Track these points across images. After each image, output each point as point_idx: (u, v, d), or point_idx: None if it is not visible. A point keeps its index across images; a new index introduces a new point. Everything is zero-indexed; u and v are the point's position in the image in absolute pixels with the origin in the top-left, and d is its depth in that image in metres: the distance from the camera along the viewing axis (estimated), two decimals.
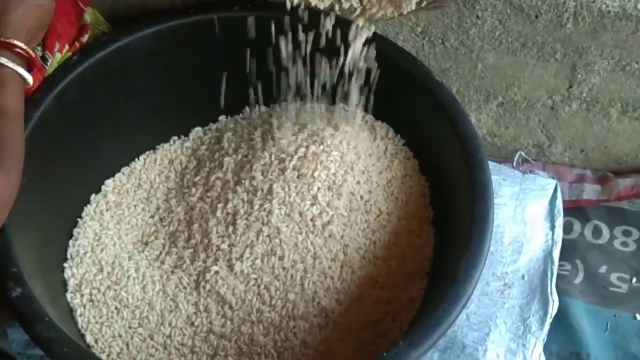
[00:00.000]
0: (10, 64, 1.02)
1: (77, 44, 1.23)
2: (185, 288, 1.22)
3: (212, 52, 1.31)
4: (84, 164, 1.30)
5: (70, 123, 1.23)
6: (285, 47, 1.21)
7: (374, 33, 1.24)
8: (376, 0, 1.15)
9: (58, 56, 1.21)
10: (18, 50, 1.03)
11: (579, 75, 1.36)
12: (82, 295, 1.21)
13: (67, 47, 1.22)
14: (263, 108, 1.38)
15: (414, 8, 1.12)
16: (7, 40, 1.03)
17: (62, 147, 1.23)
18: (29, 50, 1.05)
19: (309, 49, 1.22)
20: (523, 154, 1.49)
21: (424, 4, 1.13)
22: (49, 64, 1.20)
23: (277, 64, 1.25)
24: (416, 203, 1.28)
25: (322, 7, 1.18)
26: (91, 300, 1.21)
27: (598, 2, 1.23)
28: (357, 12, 1.17)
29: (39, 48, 1.19)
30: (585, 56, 1.32)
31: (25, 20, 1.05)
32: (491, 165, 1.23)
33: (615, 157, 1.49)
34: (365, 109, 1.32)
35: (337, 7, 1.17)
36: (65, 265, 1.23)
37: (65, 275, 1.23)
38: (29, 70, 1.05)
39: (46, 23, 1.11)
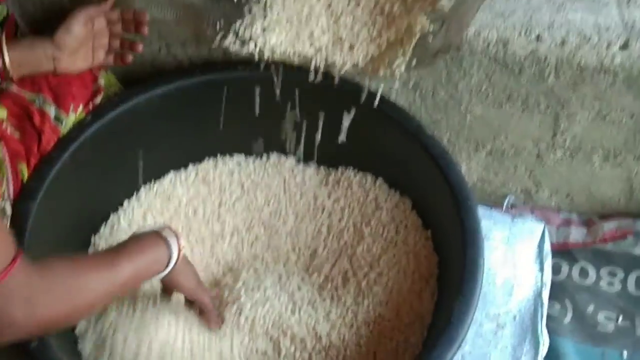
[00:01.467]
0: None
1: (90, 104, 1.26)
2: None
3: (215, 107, 1.33)
4: (95, 216, 1.31)
5: (84, 179, 1.24)
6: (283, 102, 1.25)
7: (368, 87, 1.27)
8: (370, 62, 1.17)
9: (72, 117, 1.23)
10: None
11: (562, 125, 1.37)
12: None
13: (81, 107, 1.25)
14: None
15: (403, 71, 1.14)
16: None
17: (74, 202, 1.24)
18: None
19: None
20: (512, 199, 1.49)
21: (413, 64, 1.15)
22: (63, 124, 1.22)
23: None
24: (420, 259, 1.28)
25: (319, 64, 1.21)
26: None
27: (577, 57, 1.26)
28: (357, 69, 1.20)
29: (53, 108, 1.22)
30: (567, 107, 1.34)
31: None
32: (482, 210, 1.24)
33: (599, 201, 1.49)
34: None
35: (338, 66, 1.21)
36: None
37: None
38: None
39: None
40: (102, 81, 1.28)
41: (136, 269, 0.99)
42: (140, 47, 1.25)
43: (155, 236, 1.04)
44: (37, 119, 1.20)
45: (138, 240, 1.03)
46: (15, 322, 0.85)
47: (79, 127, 1.23)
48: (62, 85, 1.23)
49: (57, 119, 1.22)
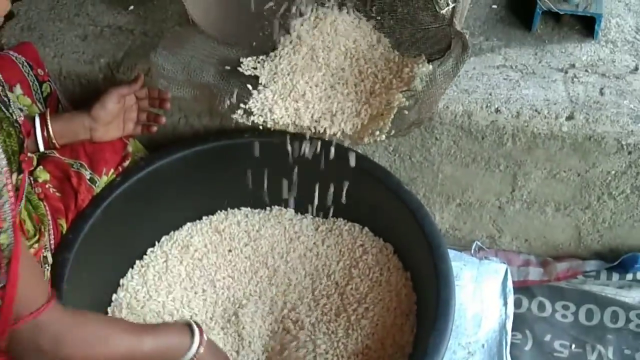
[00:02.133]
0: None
1: (120, 168, 1.27)
2: None
3: (226, 168, 1.35)
4: (123, 262, 1.32)
5: (114, 231, 1.25)
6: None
7: (355, 151, 1.29)
8: (358, 132, 1.19)
9: (104, 178, 1.25)
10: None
11: (519, 182, 1.38)
12: None
13: (112, 171, 1.26)
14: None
15: (384, 138, 1.15)
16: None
17: (106, 251, 1.25)
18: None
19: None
20: (479, 243, 1.49)
21: (392, 133, 1.17)
22: (97, 185, 1.23)
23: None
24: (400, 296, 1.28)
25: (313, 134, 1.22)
26: None
27: (530, 126, 1.27)
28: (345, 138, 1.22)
29: (88, 172, 1.23)
30: (523, 167, 1.35)
31: None
32: (453, 253, 1.24)
33: (553, 245, 1.49)
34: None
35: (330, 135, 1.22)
36: None
37: None
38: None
39: None
40: (130, 148, 1.29)
41: (157, 346, 0.97)
42: (163, 120, 1.28)
43: (181, 325, 1.02)
44: (74, 181, 1.21)
45: (167, 324, 1.04)
46: (41, 352, 0.87)
47: (110, 187, 1.25)
48: (96, 152, 1.24)
49: (92, 180, 1.23)
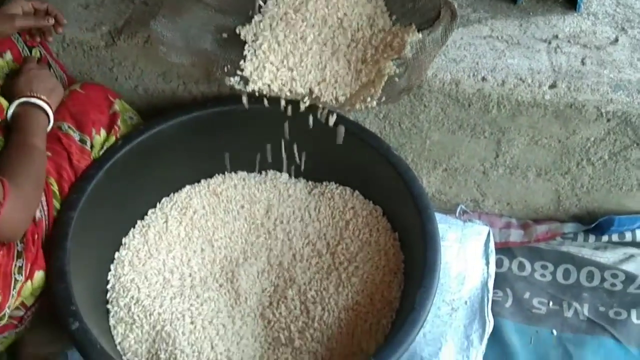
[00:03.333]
0: (40, 102, 1.13)
1: (115, 127, 1.25)
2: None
3: (223, 133, 1.34)
4: (125, 222, 1.31)
5: (116, 192, 1.25)
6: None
7: (347, 118, 1.28)
8: (349, 99, 1.18)
9: (97, 138, 1.23)
10: (44, 99, 1.14)
11: (503, 148, 1.37)
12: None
13: (102, 130, 1.24)
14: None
15: (375, 105, 1.14)
16: (38, 95, 1.14)
17: (108, 211, 1.24)
18: (50, 103, 1.16)
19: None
20: (463, 207, 1.50)
21: (383, 100, 1.15)
22: (87, 144, 1.22)
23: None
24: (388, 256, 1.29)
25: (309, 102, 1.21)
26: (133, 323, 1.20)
27: (515, 94, 1.27)
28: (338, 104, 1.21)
29: (76, 133, 1.21)
30: (507, 134, 1.34)
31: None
32: (439, 216, 1.24)
33: (534, 209, 1.50)
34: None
35: (323, 102, 1.21)
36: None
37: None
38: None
39: (59, 98, 1.21)
40: (117, 106, 1.28)
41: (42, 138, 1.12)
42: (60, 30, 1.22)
43: (30, 108, 1.13)
44: (65, 141, 1.20)
45: (26, 117, 1.12)
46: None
47: (112, 149, 1.24)
48: (81, 114, 1.23)
49: (82, 141, 1.22)
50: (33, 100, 1.13)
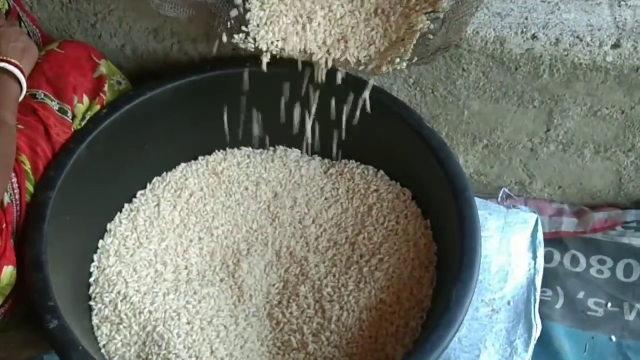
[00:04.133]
0: (10, 67, 1.12)
1: (101, 94, 1.26)
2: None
3: (224, 102, 1.33)
4: (110, 206, 1.32)
5: (100, 169, 1.25)
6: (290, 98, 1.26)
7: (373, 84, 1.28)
8: (374, 60, 1.17)
9: (80, 106, 1.24)
10: (15, 63, 1.14)
11: (555, 120, 1.37)
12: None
13: (85, 97, 1.25)
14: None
15: (404, 67, 1.14)
16: (7, 58, 1.13)
17: (91, 191, 1.25)
18: (22, 68, 1.15)
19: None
20: (507, 190, 1.49)
21: (414, 61, 1.15)
22: (69, 114, 1.22)
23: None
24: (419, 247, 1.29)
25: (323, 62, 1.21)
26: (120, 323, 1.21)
27: (571, 55, 1.26)
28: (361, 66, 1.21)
29: (55, 102, 1.22)
30: (561, 103, 1.34)
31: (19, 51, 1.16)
32: (478, 201, 1.24)
33: (590, 193, 1.50)
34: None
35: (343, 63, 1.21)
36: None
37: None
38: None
39: (33, 60, 1.21)
40: (103, 69, 1.28)
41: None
42: None
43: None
44: (41, 113, 1.20)
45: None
46: None
47: (95, 119, 1.24)
48: (59, 78, 1.23)
49: (62, 111, 1.22)
50: (1, 64, 1.13)
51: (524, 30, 1.27)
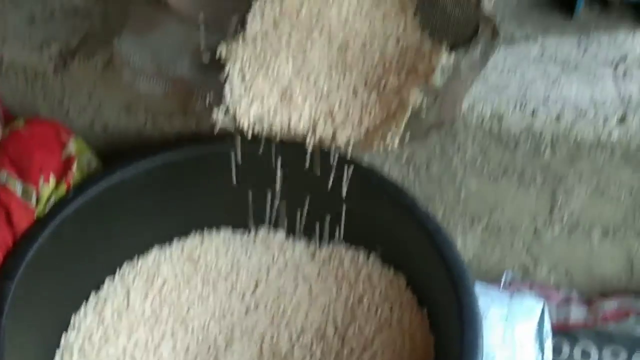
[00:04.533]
0: None
1: (69, 175, 1.26)
2: None
3: (202, 181, 1.34)
4: (76, 295, 1.30)
5: (65, 257, 1.25)
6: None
7: (360, 162, 1.29)
8: (364, 138, 1.19)
9: (46, 188, 1.23)
10: None
11: (560, 201, 1.38)
12: None
13: (52, 177, 1.25)
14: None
15: (396, 145, 1.15)
16: None
17: (54, 281, 1.23)
18: None
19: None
20: (510, 275, 1.48)
21: (406, 138, 1.16)
22: (33, 198, 1.22)
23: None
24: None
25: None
26: None
27: (574, 132, 1.28)
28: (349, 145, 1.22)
29: (18, 183, 1.22)
30: (564, 182, 1.35)
31: None
32: (478, 287, 1.24)
33: (600, 279, 1.49)
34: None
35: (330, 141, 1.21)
36: None
37: None
38: None
39: None
40: (72, 148, 1.29)
41: None
42: None
43: None
44: (2, 197, 1.19)
45: None
46: None
47: (60, 203, 1.24)
48: (23, 156, 1.23)
49: (26, 193, 1.21)
50: None
51: (523, 105, 1.29)
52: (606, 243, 1.43)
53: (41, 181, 1.23)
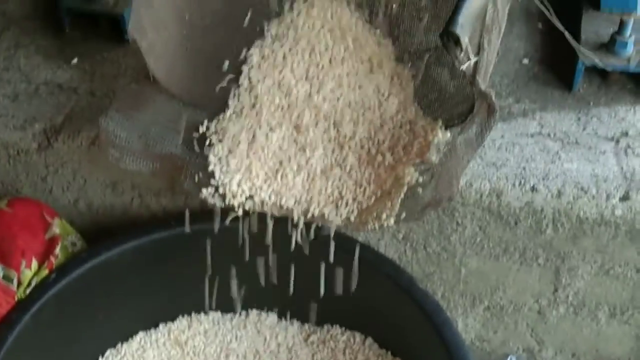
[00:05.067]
0: None
1: (51, 258, 1.27)
2: None
3: (190, 261, 1.35)
4: None
5: (47, 342, 1.25)
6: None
7: (357, 240, 1.30)
8: (359, 216, 1.20)
9: (27, 273, 1.25)
10: None
11: (564, 280, 1.39)
12: None
13: (34, 261, 1.26)
14: None
15: (392, 224, 1.16)
16: None
17: None
18: None
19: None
20: (514, 358, 1.48)
21: (402, 216, 1.17)
22: (14, 282, 1.23)
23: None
24: None
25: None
26: None
27: (575, 209, 1.29)
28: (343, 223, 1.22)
29: None
30: (568, 261, 1.36)
31: None
32: None
33: None
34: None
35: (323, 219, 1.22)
36: None
37: None
38: None
39: None
40: (56, 229, 1.30)
41: None
42: None
43: None
44: None
45: None
46: None
47: (42, 286, 1.24)
48: (6, 240, 1.25)
49: (7, 278, 1.23)
50: None
51: (522, 181, 1.30)
52: (613, 323, 1.43)
53: (23, 265, 1.24)
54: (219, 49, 1.28)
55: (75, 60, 1.49)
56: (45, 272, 1.26)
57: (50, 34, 1.54)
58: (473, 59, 1.05)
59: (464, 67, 1.04)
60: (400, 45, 1.31)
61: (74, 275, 1.27)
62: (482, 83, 1.08)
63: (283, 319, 1.42)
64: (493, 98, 1.10)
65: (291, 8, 1.30)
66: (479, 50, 1.05)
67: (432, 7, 1.32)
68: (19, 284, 1.23)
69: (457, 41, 0.99)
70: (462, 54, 1.02)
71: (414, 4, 1.31)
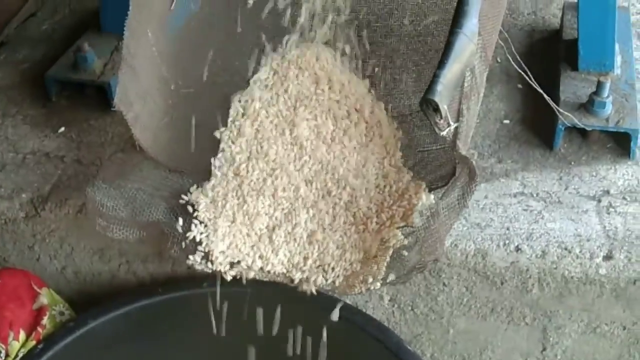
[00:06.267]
0: None
1: (39, 328, 1.27)
2: None
3: (180, 327, 1.35)
4: None
5: None
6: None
7: (344, 303, 1.30)
8: (345, 280, 1.21)
9: (15, 344, 1.25)
10: None
11: (551, 338, 1.39)
12: None
13: (22, 333, 1.26)
14: None
15: (379, 287, 1.18)
16: None
17: None
18: None
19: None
20: None
21: (389, 279, 1.19)
22: (2, 354, 1.23)
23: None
24: None
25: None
26: None
27: (560, 268, 1.31)
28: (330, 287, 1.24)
29: None
30: (555, 320, 1.37)
31: None
32: None
33: None
34: None
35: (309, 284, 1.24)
36: None
37: None
38: None
39: None
40: (44, 299, 1.30)
41: None
42: None
43: None
44: None
45: None
46: None
47: (29, 357, 1.24)
48: None
49: None
50: None
51: (507, 242, 1.33)
52: None
53: (10, 337, 1.24)
54: (204, 115, 1.31)
55: (62, 129, 1.51)
56: (32, 343, 1.26)
57: (37, 103, 1.57)
58: (453, 125, 1.07)
59: (444, 132, 1.06)
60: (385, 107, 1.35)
61: (61, 345, 1.27)
62: (463, 147, 1.11)
63: None
64: (474, 163, 1.12)
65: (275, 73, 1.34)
66: (458, 117, 1.08)
67: (413, 69, 1.36)
68: (7, 356, 1.23)
69: (436, 108, 1.01)
70: (442, 121, 1.04)
71: (393, 66, 1.35)
